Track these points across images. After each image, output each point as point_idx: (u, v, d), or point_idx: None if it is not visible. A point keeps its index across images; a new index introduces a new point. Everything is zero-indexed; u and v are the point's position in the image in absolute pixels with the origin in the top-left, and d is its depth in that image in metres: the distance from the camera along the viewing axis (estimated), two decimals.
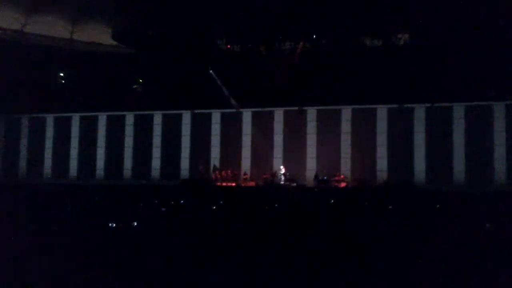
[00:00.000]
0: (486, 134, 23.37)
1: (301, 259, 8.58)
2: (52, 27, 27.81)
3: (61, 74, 29.25)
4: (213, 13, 24.86)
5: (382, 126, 24.68)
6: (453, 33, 23.57)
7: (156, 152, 27.53)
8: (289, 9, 24.00)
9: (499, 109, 23.41)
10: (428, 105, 24.15)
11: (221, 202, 19.25)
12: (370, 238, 11.58)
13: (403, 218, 16.00)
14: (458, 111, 23.89)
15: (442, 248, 9.42)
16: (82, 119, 29.03)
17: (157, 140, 27.64)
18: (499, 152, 23.09)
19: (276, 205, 18.76)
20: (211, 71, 25.46)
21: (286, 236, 11.72)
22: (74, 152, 28.91)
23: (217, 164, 26.14)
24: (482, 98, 23.29)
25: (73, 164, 28.81)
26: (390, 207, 18.27)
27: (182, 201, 19.92)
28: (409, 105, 24.42)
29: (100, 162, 28.37)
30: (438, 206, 17.60)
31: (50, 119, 29.47)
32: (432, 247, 9.56)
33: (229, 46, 27.28)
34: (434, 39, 24.01)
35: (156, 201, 19.67)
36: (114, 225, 11.99)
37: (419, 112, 24.36)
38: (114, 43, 28.50)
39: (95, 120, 28.78)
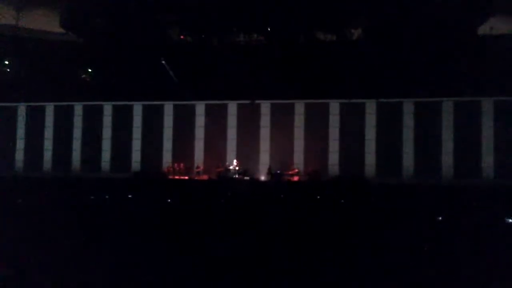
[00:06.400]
0: (434, 129, 23.99)
1: (247, 255, 8.51)
2: None
3: (6, 62, 27.91)
4: (166, 3, 24.33)
5: (334, 121, 24.91)
6: (405, 29, 23.96)
7: (106, 144, 26.78)
8: (244, 1, 23.79)
9: (447, 105, 24.06)
10: (376, 100, 24.52)
11: (173, 195, 19.00)
12: (316, 231, 11.64)
13: (352, 211, 16.27)
14: (408, 106, 24.39)
15: (389, 242, 9.55)
16: (28, 109, 27.86)
17: (107, 132, 26.88)
18: (447, 146, 23.81)
19: (226, 199, 18.68)
20: (163, 62, 24.92)
21: (233, 231, 11.63)
22: (21, 143, 27.78)
23: (169, 157, 25.82)
24: (432, 94, 23.83)
25: (19, 155, 27.68)
26: (342, 200, 18.60)
27: (132, 195, 19.57)
28: (360, 100, 24.71)
29: (48, 154, 27.36)
30: (386, 199, 18.11)
31: None
32: (379, 241, 9.67)
33: (182, 37, 26.76)
34: (387, 34, 24.31)
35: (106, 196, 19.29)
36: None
37: (370, 107, 24.70)
38: (63, 31, 27.46)
39: (42, 110, 27.67)
